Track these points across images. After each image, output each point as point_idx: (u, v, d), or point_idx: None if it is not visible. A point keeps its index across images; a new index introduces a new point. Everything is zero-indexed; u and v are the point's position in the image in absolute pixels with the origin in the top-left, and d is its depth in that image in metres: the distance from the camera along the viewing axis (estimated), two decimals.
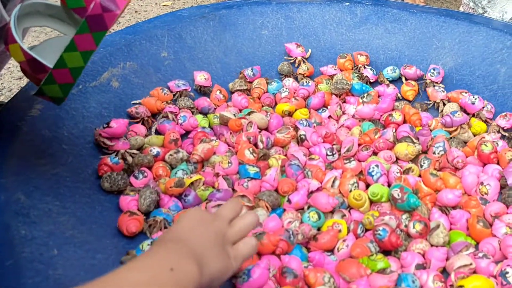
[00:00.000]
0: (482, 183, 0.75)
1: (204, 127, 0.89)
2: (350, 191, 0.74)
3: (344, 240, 0.68)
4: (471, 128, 0.88)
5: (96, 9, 0.55)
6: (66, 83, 0.59)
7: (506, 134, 0.86)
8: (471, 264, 0.63)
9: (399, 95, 0.98)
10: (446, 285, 0.62)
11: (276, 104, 0.96)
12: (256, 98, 0.96)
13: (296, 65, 1.03)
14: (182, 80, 0.95)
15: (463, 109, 0.92)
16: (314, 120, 0.90)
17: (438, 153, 0.82)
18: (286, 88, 0.97)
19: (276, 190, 0.76)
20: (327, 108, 0.95)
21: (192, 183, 0.76)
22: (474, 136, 0.87)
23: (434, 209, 0.72)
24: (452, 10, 1.08)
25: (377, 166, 0.77)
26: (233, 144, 0.84)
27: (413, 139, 0.83)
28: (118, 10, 0.55)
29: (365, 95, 0.93)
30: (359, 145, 0.84)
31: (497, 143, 0.82)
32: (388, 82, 1.00)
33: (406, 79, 1.00)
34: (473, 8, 1.36)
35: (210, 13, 1.04)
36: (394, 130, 0.86)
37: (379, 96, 0.96)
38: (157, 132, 0.88)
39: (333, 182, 0.76)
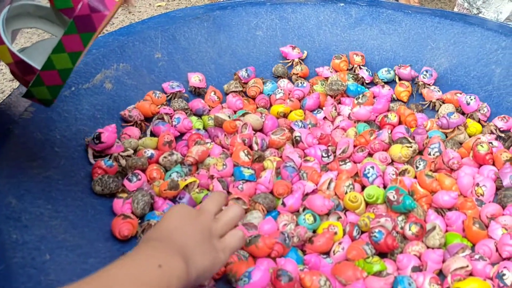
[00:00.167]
0: (477, 184, 0.75)
1: (198, 129, 0.88)
2: (346, 193, 0.74)
3: (339, 243, 0.68)
4: (467, 129, 0.87)
5: (84, 9, 0.54)
6: (55, 85, 0.58)
7: (503, 135, 0.86)
8: (467, 266, 0.63)
9: (394, 96, 0.98)
10: (442, 287, 0.62)
11: (271, 105, 0.96)
12: (251, 100, 0.96)
13: (294, 66, 1.02)
14: (176, 82, 0.94)
15: (460, 109, 0.91)
16: (309, 121, 0.89)
17: (434, 154, 0.82)
18: (281, 89, 0.96)
19: (271, 192, 0.76)
20: (322, 109, 0.94)
21: (186, 186, 0.75)
22: (470, 137, 0.87)
23: (430, 211, 0.72)
24: (447, 11, 1.08)
25: (372, 167, 0.76)
26: (228, 146, 0.83)
27: (409, 139, 0.83)
28: (106, 11, 0.55)
29: (360, 96, 0.93)
30: (355, 146, 0.83)
31: (492, 144, 0.82)
32: (383, 83, 0.99)
33: (400, 79, 1.00)
34: (467, 9, 1.36)
35: (204, 14, 1.04)
36: (389, 131, 0.86)
37: (374, 97, 0.95)
38: (152, 134, 0.87)
39: (329, 184, 0.75)
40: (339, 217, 0.72)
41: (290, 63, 1.03)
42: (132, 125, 0.86)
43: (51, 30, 0.65)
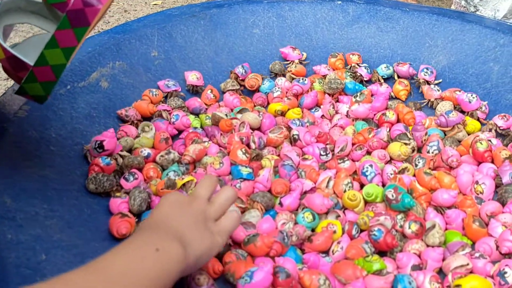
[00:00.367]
0: (477, 182, 0.75)
1: (195, 128, 0.87)
2: (345, 191, 0.73)
3: (338, 242, 0.67)
4: (466, 127, 0.87)
5: (77, 3, 0.53)
6: (48, 81, 0.57)
7: (502, 132, 0.85)
8: (467, 264, 0.62)
9: (392, 94, 0.97)
10: (443, 286, 0.61)
11: (268, 103, 0.95)
12: (248, 98, 0.95)
13: (290, 65, 1.02)
14: (172, 81, 0.93)
15: (459, 107, 0.91)
16: (307, 119, 0.89)
17: (432, 152, 0.81)
18: (279, 88, 0.96)
19: (270, 191, 0.75)
20: (320, 107, 0.94)
21: (183, 185, 0.74)
22: (469, 135, 0.86)
23: (430, 209, 0.71)
24: (445, 9, 1.07)
25: (371, 166, 0.76)
26: (225, 145, 0.83)
27: (408, 135, 0.82)
28: (100, 5, 0.54)
29: (358, 94, 0.92)
30: (353, 144, 0.83)
31: (491, 142, 0.82)
32: (382, 80, 0.99)
33: (399, 77, 0.99)
34: (464, 7, 1.36)
35: (200, 12, 1.03)
36: (388, 129, 0.85)
37: (372, 95, 0.95)
38: None
39: (328, 182, 0.75)
40: (338, 216, 0.71)
41: (289, 64, 1.02)
42: (129, 125, 0.85)
43: (43, 25, 0.64)
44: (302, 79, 0.96)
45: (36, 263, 0.57)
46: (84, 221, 0.68)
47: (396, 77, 0.99)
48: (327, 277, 0.62)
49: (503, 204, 0.72)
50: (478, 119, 0.89)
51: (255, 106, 0.94)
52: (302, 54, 1.03)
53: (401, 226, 0.69)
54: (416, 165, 0.79)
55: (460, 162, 0.79)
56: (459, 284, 0.59)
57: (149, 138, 0.83)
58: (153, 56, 0.95)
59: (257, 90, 0.98)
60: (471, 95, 0.89)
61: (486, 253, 0.65)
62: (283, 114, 0.91)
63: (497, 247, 0.66)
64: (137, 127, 0.85)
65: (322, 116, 0.93)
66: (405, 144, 0.81)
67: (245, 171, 0.75)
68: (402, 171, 0.78)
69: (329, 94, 0.95)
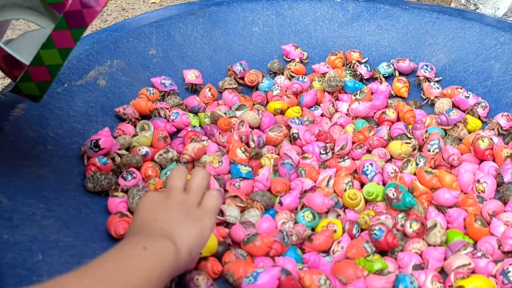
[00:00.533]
0: (478, 181, 0.74)
1: (194, 126, 0.86)
2: (345, 190, 0.73)
3: (339, 242, 0.67)
4: (467, 126, 0.86)
5: (75, 4, 0.53)
6: (44, 81, 0.56)
7: (504, 132, 0.85)
8: (469, 264, 0.62)
9: (392, 92, 0.97)
10: (445, 285, 0.61)
11: (267, 102, 0.94)
12: (247, 96, 0.95)
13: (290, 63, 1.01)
14: (169, 80, 0.92)
15: (456, 106, 0.90)
16: (307, 118, 0.88)
17: (433, 151, 0.81)
18: (278, 86, 0.95)
19: (269, 190, 0.74)
20: (319, 106, 0.93)
21: None
22: (470, 133, 0.86)
23: (431, 208, 0.71)
24: (445, 6, 1.07)
25: (371, 164, 0.75)
26: (224, 143, 0.82)
27: (408, 134, 0.82)
28: (98, 7, 0.53)
29: (358, 92, 0.92)
30: (353, 143, 0.82)
31: (492, 139, 0.81)
32: (383, 79, 0.98)
33: (400, 74, 0.98)
34: (464, 5, 1.35)
35: (199, 10, 1.02)
36: (388, 128, 0.85)
37: (372, 94, 0.94)
38: None
39: (328, 181, 0.74)
40: (338, 215, 0.70)
41: (290, 62, 1.01)
42: (127, 123, 0.84)
43: (39, 21, 0.63)
44: (302, 77, 0.95)
45: (33, 263, 0.56)
46: (82, 221, 0.67)
47: (397, 74, 0.99)
48: (328, 277, 0.61)
49: (505, 202, 0.72)
50: (479, 118, 0.88)
51: (254, 104, 0.94)
52: (303, 54, 1.02)
53: (402, 225, 0.68)
54: (417, 164, 0.79)
55: (461, 161, 0.78)
56: (462, 285, 0.58)
57: (148, 136, 0.82)
58: (151, 54, 0.95)
59: (257, 87, 0.97)
60: (466, 93, 0.89)
61: (488, 252, 0.65)
62: (282, 112, 0.90)
63: (499, 245, 0.65)
64: (135, 126, 0.84)
65: (322, 114, 0.92)
66: (406, 143, 0.81)
67: (244, 170, 0.74)
68: (405, 166, 0.78)
69: (328, 92, 0.95)
